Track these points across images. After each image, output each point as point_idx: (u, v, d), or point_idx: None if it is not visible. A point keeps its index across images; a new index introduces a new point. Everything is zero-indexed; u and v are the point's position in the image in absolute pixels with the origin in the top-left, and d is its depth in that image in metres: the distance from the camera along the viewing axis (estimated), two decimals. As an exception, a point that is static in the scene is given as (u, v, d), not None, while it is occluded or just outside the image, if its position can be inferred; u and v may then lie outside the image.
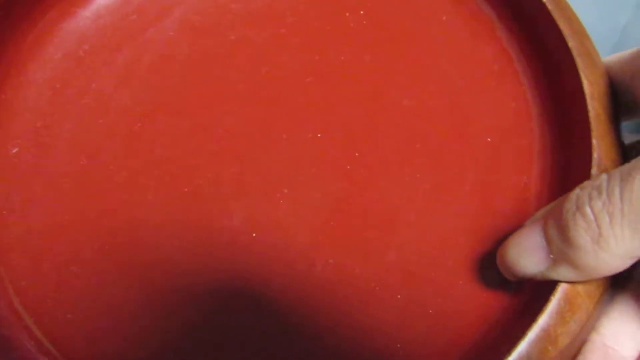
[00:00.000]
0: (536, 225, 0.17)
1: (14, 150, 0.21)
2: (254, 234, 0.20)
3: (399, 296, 0.19)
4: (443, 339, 0.19)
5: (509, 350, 0.16)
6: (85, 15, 0.23)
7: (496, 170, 0.21)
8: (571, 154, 0.20)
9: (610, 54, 0.21)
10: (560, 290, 0.17)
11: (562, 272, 0.16)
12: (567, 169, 0.20)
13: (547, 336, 0.16)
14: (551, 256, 0.16)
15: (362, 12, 0.23)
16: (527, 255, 0.17)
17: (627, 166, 0.15)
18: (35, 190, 0.20)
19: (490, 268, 0.19)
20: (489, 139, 0.21)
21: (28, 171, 0.21)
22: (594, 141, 0.18)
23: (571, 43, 0.20)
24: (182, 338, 0.19)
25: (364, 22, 0.23)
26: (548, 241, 0.16)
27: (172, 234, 0.20)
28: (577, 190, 0.16)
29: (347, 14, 0.23)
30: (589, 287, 0.17)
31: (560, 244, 0.16)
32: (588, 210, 0.15)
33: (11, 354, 0.18)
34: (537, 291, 0.18)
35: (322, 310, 0.19)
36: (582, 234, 0.15)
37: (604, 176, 0.15)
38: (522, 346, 0.16)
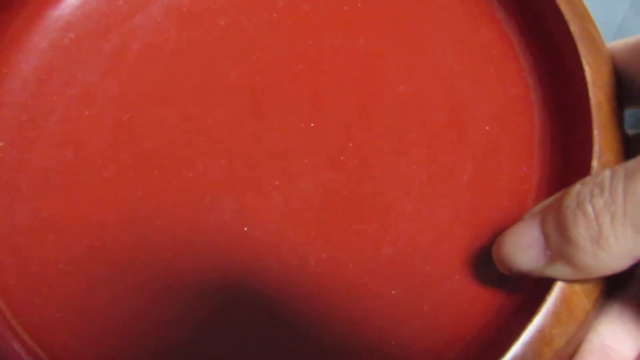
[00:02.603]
0: (534, 220, 0.16)
1: (-1, 145, 0.20)
2: (245, 228, 0.20)
3: (393, 291, 0.19)
4: (438, 337, 0.18)
5: (503, 350, 0.16)
6: (70, 2, 0.22)
7: (495, 160, 0.20)
8: (572, 145, 0.19)
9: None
10: (557, 289, 0.16)
11: (559, 270, 0.16)
12: (568, 159, 0.19)
13: (542, 337, 0.16)
14: (548, 253, 0.16)
15: (356, -6, 0.22)
16: (524, 250, 0.16)
17: (631, 163, 0.14)
18: (21, 186, 0.20)
19: (487, 263, 0.19)
20: (487, 127, 0.21)
21: (14, 166, 0.20)
22: (595, 132, 0.17)
23: (573, 27, 0.19)
24: (172, 335, 0.19)
25: (359, 4, 0.22)
26: (546, 237, 0.16)
27: (162, 229, 0.20)
28: (578, 186, 0.15)
29: (341, -3, 0.22)
30: (587, 286, 0.16)
31: (558, 241, 0.15)
32: (589, 207, 0.14)
33: None
34: (535, 288, 0.18)
35: (315, 306, 0.19)
36: (581, 232, 0.15)
37: (607, 172, 0.15)
38: (516, 348, 0.16)
